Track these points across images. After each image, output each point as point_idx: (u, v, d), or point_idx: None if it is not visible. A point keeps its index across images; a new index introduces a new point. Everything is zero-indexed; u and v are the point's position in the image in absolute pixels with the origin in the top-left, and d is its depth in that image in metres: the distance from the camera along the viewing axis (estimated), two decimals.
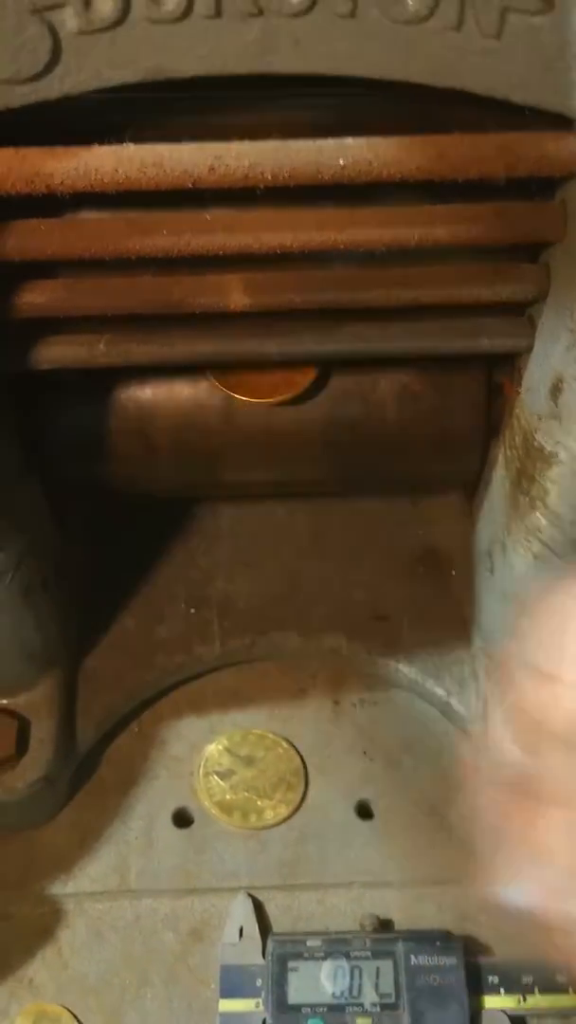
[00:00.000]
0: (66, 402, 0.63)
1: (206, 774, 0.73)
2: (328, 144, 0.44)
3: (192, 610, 0.76)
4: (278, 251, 0.47)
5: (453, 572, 0.78)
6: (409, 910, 0.68)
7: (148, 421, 0.63)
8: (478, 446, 0.66)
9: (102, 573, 0.76)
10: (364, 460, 0.67)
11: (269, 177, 0.44)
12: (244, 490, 0.73)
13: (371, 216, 0.47)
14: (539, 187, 0.50)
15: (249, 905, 0.68)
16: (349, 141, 0.44)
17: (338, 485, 0.72)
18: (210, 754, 0.74)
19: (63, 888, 0.70)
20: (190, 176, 0.44)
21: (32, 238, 0.47)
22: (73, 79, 0.43)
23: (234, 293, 0.50)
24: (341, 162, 0.44)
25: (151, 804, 0.73)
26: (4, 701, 0.69)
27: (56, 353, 0.53)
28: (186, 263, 0.50)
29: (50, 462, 0.63)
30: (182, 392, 0.62)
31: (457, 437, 0.66)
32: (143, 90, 0.47)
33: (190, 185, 0.44)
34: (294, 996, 0.63)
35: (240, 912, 0.68)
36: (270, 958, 0.65)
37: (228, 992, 0.64)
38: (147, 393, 0.62)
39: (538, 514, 0.57)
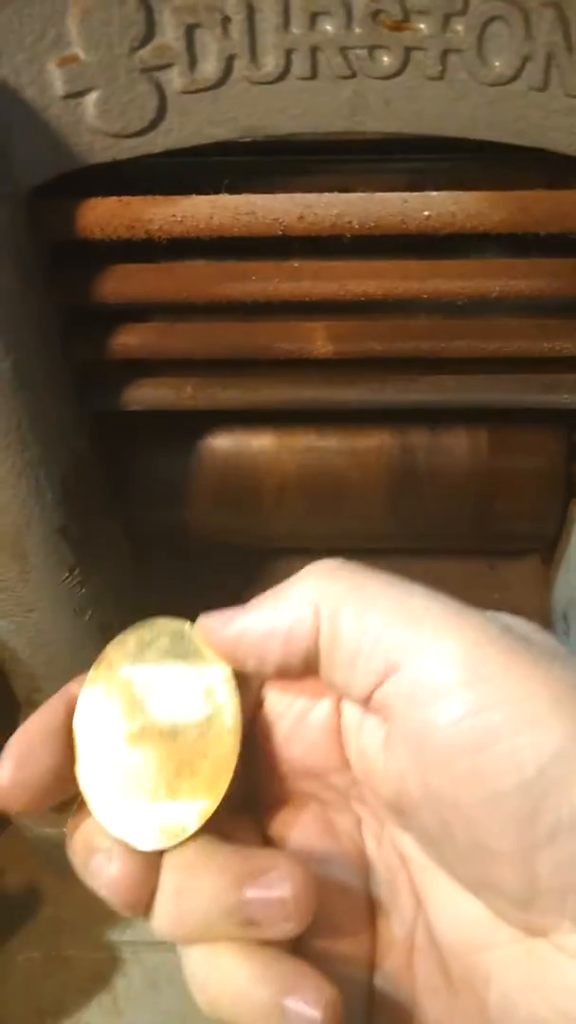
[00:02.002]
0: (149, 449, 0.65)
1: None
2: (413, 196, 0.46)
3: None
4: (362, 299, 0.49)
5: None
6: None
7: (225, 469, 0.65)
8: (557, 506, 0.66)
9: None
10: (437, 515, 0.67)
11: (356, 226, 0.46)
12: (319, 543, 0.74)
13: (454, 268, 0.49)
14: None
15: None
16: (434, 194, 0.46)
17: (410, 541, 0.73)
18: None
19: (122, 935, 0.70)
20: (280, 224, 0.46)
21: (129, 282, 0.49)
22: (176, 135, 0.46)
23: (318, 340, 0.51)
24: (426, 213, 0.46)
25: None
26: None
27: (145, 395, 0.55)
28: (272, 311, 0.52)
29: (132, 507, 0.65)
30: (259, 441, 0.64)
31: (535, 496, 0.66)
32: (242, 151, 0.51)
33: (280, 232, 0.46)
34: None
35: None
36: None
37: None
38: (226, 442, 0.64)
39: None
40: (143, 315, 0.53)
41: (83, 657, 0.64)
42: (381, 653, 0.29)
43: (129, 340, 0.52)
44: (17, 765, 0.31)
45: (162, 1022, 0.66)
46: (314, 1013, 0.27)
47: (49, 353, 0.50)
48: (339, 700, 0.33)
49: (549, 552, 0.72)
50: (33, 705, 0.70)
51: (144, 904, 0.31)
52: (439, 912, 0.31)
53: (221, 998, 0.29)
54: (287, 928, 0.28)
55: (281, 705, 0.34)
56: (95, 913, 0.71)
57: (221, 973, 0.29)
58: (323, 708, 0.33)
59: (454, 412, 0.64)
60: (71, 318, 0.52)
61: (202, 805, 0.31)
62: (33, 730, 0.32)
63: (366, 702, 0.30)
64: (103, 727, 0.32)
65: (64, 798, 0.32)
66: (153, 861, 0.30)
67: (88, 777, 0.31)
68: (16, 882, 0.72)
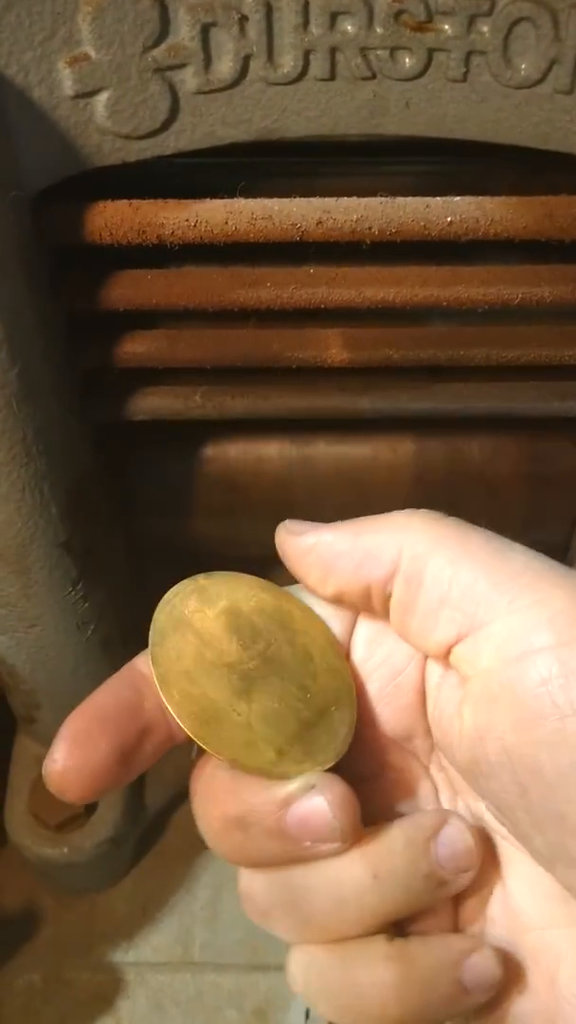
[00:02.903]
0: (153, 460, 0.64)
1: None
2: (436, 201, 0.45)
3: None
4: (380, 306, 0.47)
5: None
6: None
7: (232, 479, 0.64)
8: (570, 515, 0.65)
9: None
10: None
11: (376, 232, 0.45)
12: None
13: (475, 274, 0.47)
14: None
15: None
16: (457, 199, 0.45)
17: None
18: None
19: (124, 956, 0.69)
20: (298, 229, 0.45)
21: (138, 288, 0.47)
22: (189, 136, 0.45)
23: (333, 348, 0.50)
24: (449, 219, 0.44)
25: (218, 874, 0.71)
26: None
27: (153, 404, 0.53)
28: (285, 318, 0.50)
29: (136, 519, 0.64)
30: (265, 450, 0.63)
31: (556, 505, 0.65)
32: (257, 152, 0.49)
33: (298, 238, 0.45)
34: None
35: None
36: None
37: None
38: (232, 451, 0.63)
39: None
40: (152, 322, 0.51)
41: (84, 672, 0.63)
42: (471, 605, 0.28)
43: (137, 348, 0.50)
44: (73, 748, 0.28)
45: None
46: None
47: (55, 361, 0.48)
48: (424, 659, 0.32)
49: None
50: (31, 722, 0.68)
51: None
52: (513, 885, 0.31)
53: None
54: (468, 879, 0.29)
55: (372, 663, 0.32)
56: (96, 934, 0.69)
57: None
58: (412, 669, 0.32)
59: (470, 419, 0.63)
60: (78, 325, 0.50)
61: (343, 718, 0.30)
62: (92, 710, 0.29)
63: (443, 656, 0.29)
64: (207, 675, 0.30)
65: (121, 785, 0.30)
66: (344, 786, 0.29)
67: (209, 729, 0.29)
68: (14, 902, 0.70)
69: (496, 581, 0.28)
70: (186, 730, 0.29)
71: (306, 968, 0.30)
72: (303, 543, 0.31)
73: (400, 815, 0.31)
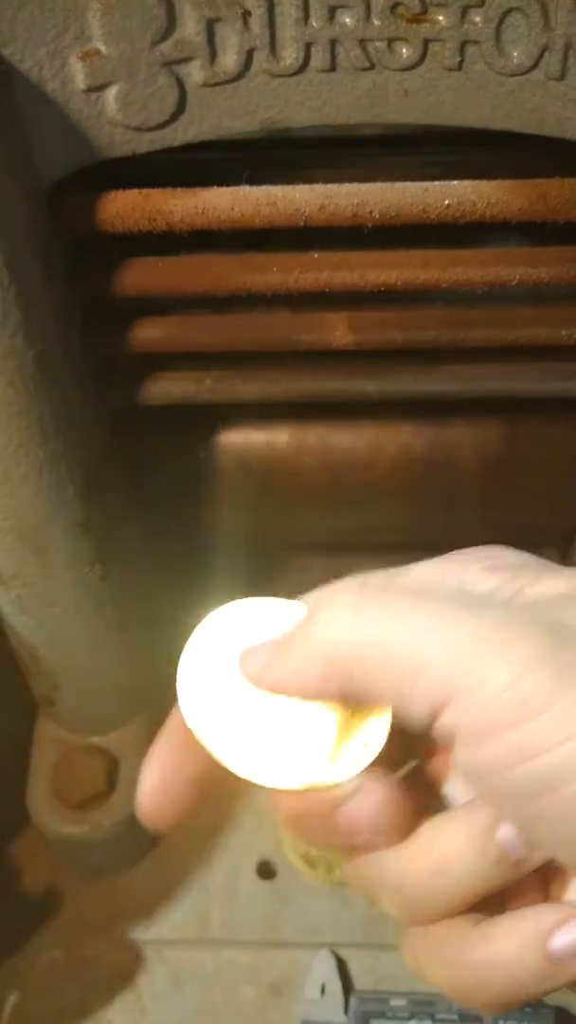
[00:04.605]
0: (170, 446, 0.66)
1: None
2: (434, 185, 0.46)
3: None
4: (382, 289, 0.49)
5: None
6: None
7: (246, 465, 0.66)
8: (572, 498, 0.66)
9: (196, 621, 0.78)
10: (455, 507, 0.67)
11: (377, 216, 0.46)
12: (336, 538, 0.74)
13: (474, 256, 0.49)
14: None
15: (332, 962, 0.67)
16: (455, 183, 0.46)
17: (430, 534, 0.73)
18: None
19: (144, 934, 0.70)
20: (302, 215, 0.46)
21: (149, 275, 0.49)
22: (196, 128, 0.47)
23: (338, 331, 0.52)
24: (446, 202, 0.46)
25: (235, 854, 0.73)
26: (95, 739, 0.70)
27: (165, 388, 0.55)
28: (292, 303, 0.52)
29: (153, 504, 0.65)
30: (279, 436, 0.65)
31: (549, 487, 0.66)
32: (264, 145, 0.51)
33: (302, 223, 0.47)
34: None
35: (323, 969, 0.67)
36: (352, 1016, 0.63)
37: None
38: (247, 437, 0.65)
39: None
40: (164, 309, 0.53)
41: (103, 655, 0.65)
42: (426, 686, 0.27)
43: (150, 333, 0.52)
44: (161, 773, 0.31)
45: (187, 1020, 0.66)
46: None
47: (71, 346, 0.50)
48: None
49: (566, 544, 0.72)
50: (51, 704, 0.70)
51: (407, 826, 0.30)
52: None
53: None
54: None
55: None
56: (117, 912, 0.71)
57: None
58: None
59: (472, 404, 0.65)
60: (92, 311, 0.52)
61: (377, 724, 0.30)
62: (175, 735, 0.31)
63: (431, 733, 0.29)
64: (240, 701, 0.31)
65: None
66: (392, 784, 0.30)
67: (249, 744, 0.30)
68: (36, 883, 0.72)
69: (442, 655, 0.27)
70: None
71: (409, 943, 0.31)
72: (265, 684, 0.31)
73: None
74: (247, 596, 0.34)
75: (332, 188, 0.46)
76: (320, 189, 0.46)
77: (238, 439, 0.65)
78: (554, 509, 0.68)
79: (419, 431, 0.66)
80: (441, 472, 0.66)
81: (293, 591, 0.81)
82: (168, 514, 0.67)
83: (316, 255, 0.49)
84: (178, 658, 0.33)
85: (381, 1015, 0.62)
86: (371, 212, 0.46)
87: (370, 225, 0.47)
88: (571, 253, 0.49)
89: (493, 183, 0.46)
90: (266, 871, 0.72)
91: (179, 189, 0.47)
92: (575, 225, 0.48)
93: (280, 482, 0.65)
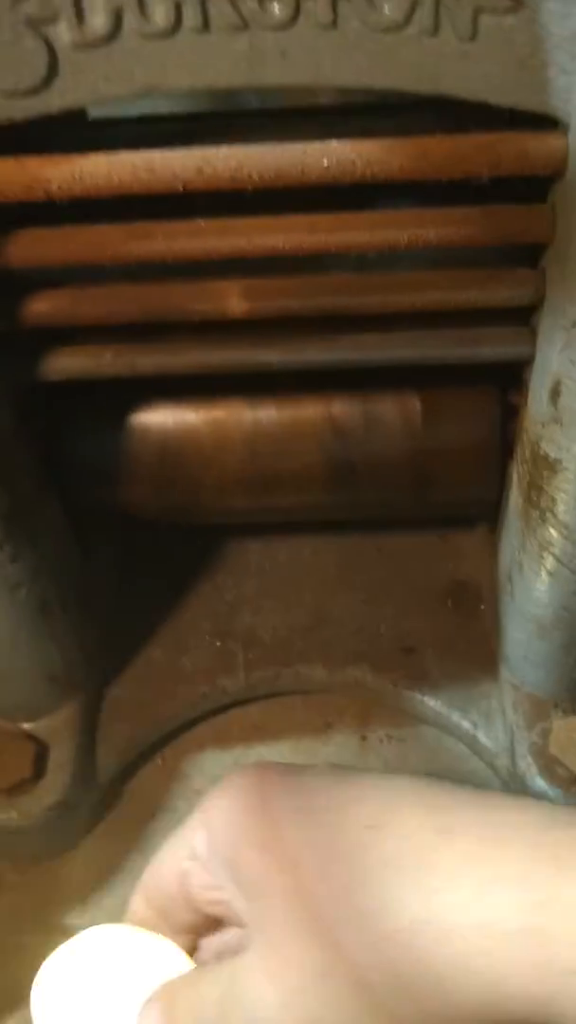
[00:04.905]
0: (83, 426, 0.65)
1: None
2: (313, 146, 0.46)
3: (217, 642, 0.76)
4: (271, 254, 0.48)
5: (482, 606, 0.76)
6: None
7: (165, 446, 0.65)
8: (495, 469, 0.65)
9: (128, 604, 0.77)
10: (379, 485, 0.67)
11: (256, 178, 0.46)
12: (263, 518, 0.74)
13: (361, 219, 0.48)
14: (536, 193, 0.50)
15: None
16: (333, 143, 0.46)
17: (357, 512, 0.72)
18: None
19: (79, 920, 0.69)
20: (180, 179, 0.46)
21: (34, 247, 0.49)
22: (72, 94, 0.46)
23: (232, 299, 0.51)
24: (325, 162, 0.45)
25: None
26: (24, 725, 0.70)
27: (63, 364, 0.55)
28: (188, 273, 0.52)
29: (69, 486, 0.65)
30: (194, 416, 0.64)
31: (473, 461, 0.66)
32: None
33: (180, 188, 0.46)
34: None
35: None
36: None
37: None
38: (159, 417, 0.64)
39: (549, 527, 0.56)
40: (57, 283, 0.53)
41: (22, 638, 0.64)
42: None
43: (41, 307, 0.51)
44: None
45: None
46: None
47: None
48: None
49: (497, 518, 0.71)
50: None
51: None
52: None
53: None
54: None
55: None
56: (51, 899, 0.70)
57: None
58: None
59: (389, 379, 0.64)
60: None
61: None
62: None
63: None
64: None
65: None
66: None
67: None
68: None
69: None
70: None
71: None
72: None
73: None
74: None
75: (209, 151, 0.46)
76: (197, 153, 0.46)
77: (153, 418, 0.64)
78: (481, 483, 0.68)
79: (341, 407, 0.65)
80: (365, 449, 0.66)
81: (229, 575, 0.80)
82: (89, 497, 0.67)
83: (202, 222, 0.49)
84: None
85: None
86: (249, 175, 0.45)
87: (250, 188, 0.46)
88: (460, 214, 0.48)
89: (372, 142, 0.46)
90: None
91: (56, 156, 0.46)
92: (469, 188, 0.48)
93: (195, 461, 0.65)
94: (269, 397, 0.64)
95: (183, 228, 0.48)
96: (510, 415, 0.63)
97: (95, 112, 0.64)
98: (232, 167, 0.45)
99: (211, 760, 0.75)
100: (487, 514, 0.72)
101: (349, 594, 0.78)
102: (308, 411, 0.65)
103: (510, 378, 0.61)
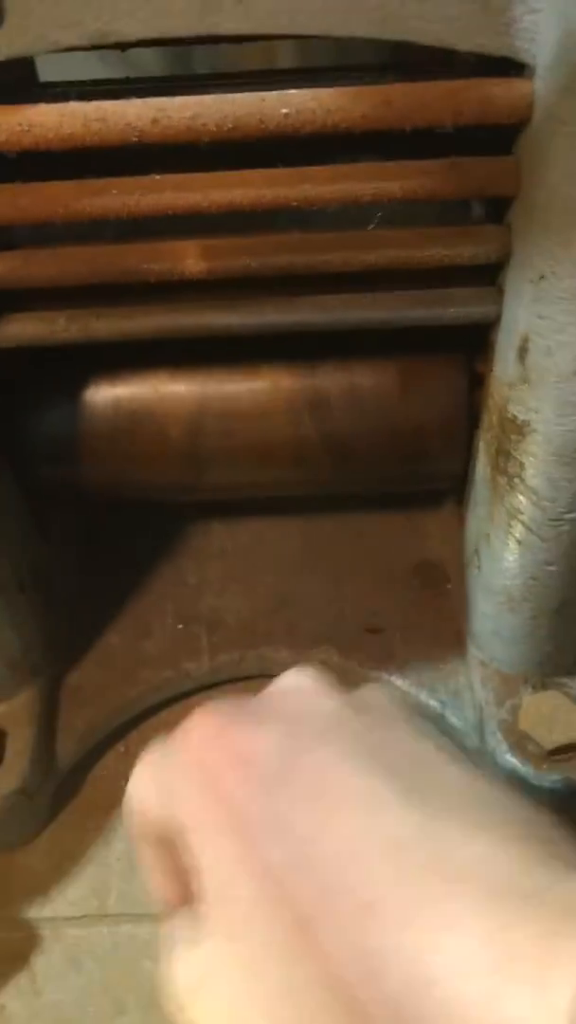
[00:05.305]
0: (38, 401, 0.63)
1: None
2: (271, 95, 0.44)
3: (180, 625, 0.75)
4: (229, 210, 0.47)
5: (449, 585, 0.75)
6: None
7: (122, 419, 0.63)
8: (461, 439, 0.64)
9: (89, 587, 0.75)
10: (349, 456, 0.65)
11: (213, 128, 0.44)
12: (220, 495, 0.72)
13: (322, 172, 0.47)
14: (503, 145, 0.49)
15: None
16: (292, 92, 0.44)
17: (324, 487, 0.71)
18: None
19: (40, 912, 0.67)
20: (134, 129, 0.44)
21: None
22: (21, 41, 0.44)
23: (189, 259, 0.49)
24: (284, 111, 0.44)
25: None
26: None
27: (16, 330, 0.53)
28: (145, 232, 0.50)
29: (21, 462, 0.63)
30: (150, 390, 0.62)
31: (440, 432, 0.64)
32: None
33: (135, 139, 0.44)
34: None
35: None
36: None
37: None
38: (116, 392, 0.62)
39: (517, 494, 0.55)
40: (9, 245, 0.51)
41: None
42: None
43: None
44: None
45: (84, 999, 0.63)
46: None
47: None
48: None
49: (463, 493, 0.70)
50: None
51: None
52: None
53: None
54: None
55: None
56: (11, 891, 0.68)
57: None
58: None
59: (358, 348, 0.63)
60: None
61: None
62: None
63: None
64: None
65: None
66: None
67: None
68: None
69: None
70: None
71: None
72: None
73: None
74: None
75: (165, 101, 0.44)
76: (152, 102, 0.44)
77: (108, 392, 0.62)
78: (450, 455, 0.67)
79: (305, 376, 0.64)
80: (337, 422, 0.64)
81: (192, 558, 0.78)
82: (41, 473, 0.64)
83: (158, 177, 0.47)
84: None
85: None
86: (205, 124, 0.44)
87: (208, 139, 0.45)
88: (423, 166, 0.47)
89: (333, 90, 0.44)
90: None
91: (3, 106, 0.44)
92: (434, 145, 0.46)
93: (151, 435, 0.63)
94: (235, 367, 0.62)
95: (138, 183, 0.47)
96: (475, 384, 0.62)
97: (46, 73, 0.62)
98: (188, 116, 0.44)
99: None
100: (455, 488, 0.71)
101: (314, 575, 0.77)
102: (269, 382, 0.64)
103: (475, 345, 0.60)
